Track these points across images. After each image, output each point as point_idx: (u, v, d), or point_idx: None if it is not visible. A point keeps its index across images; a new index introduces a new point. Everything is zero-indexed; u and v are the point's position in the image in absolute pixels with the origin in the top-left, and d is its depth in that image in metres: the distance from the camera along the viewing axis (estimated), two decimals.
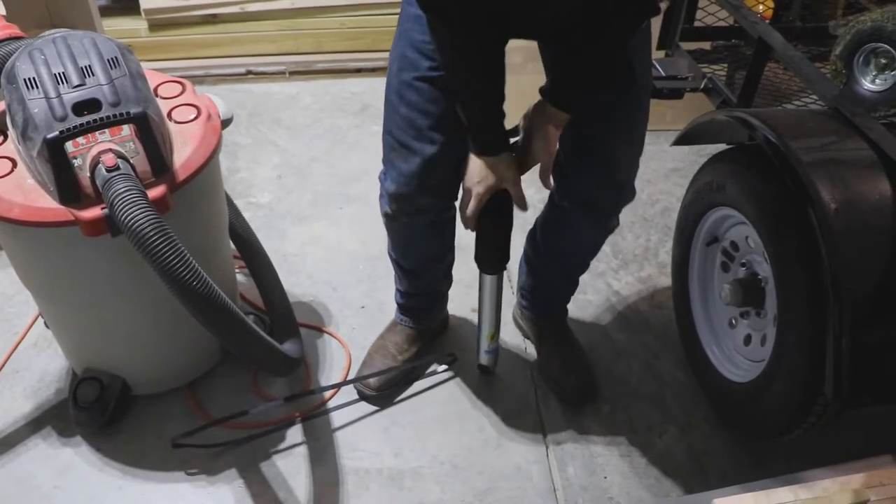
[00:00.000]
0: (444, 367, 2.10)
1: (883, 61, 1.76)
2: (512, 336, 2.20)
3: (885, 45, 1.73)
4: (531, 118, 1.58)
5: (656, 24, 1.60)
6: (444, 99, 1.56)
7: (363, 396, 2.01)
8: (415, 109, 1.58)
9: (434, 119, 1.58)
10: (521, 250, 2.04)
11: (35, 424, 1.94)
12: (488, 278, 1.79)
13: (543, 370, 2.08)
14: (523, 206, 1.62)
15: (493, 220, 1.64)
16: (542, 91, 1.56)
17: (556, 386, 2.03)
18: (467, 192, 1.60)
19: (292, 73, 3.50)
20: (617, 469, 1.87)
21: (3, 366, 2.07)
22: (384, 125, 1.69)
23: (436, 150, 1.60)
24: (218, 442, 1.87)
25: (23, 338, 2.16)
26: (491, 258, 1.74)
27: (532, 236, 1.96)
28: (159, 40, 3.46)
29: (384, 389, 2.01)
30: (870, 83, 1.78)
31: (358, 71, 3.51)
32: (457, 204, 1.69)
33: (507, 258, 1.76)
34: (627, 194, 1.75)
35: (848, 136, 1.57)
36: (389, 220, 1.79)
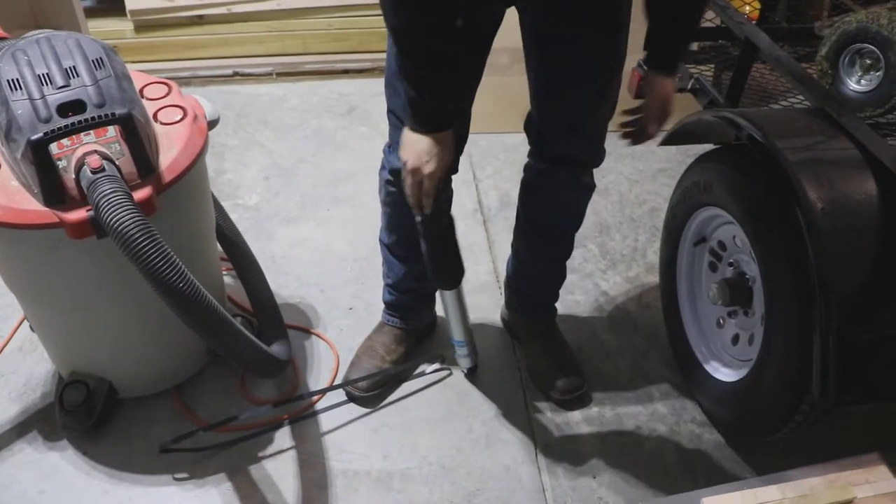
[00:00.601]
0: (433, 367, 2.09)
1: (868, 62, 1.77)
2: (500, 336, 2.20)
3: (870, 46, 1.75)
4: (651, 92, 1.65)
5: (643, 25, 1.60)
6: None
7: (352, 398, 2.01)
8: None
9: None
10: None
11: (20, 428, 1.92)
12: (447, 293, 1.82)
13: (532, 371, 2.08)
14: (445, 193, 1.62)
15: (440, 219, 1.63)
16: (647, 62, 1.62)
17: (545, 386, 2.03)
18: (416, 173, 1.51)
19: (279, 75, 3.49)
20: (606, 469, 1.87)
21: None
22: (387, 104, 1.70)
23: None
24: (205, 445, 1.86)
25: (8, 341, 2.14)
26: (446, 268, 1.75)
27: (516, 214, 1.97)
28: (145, 41, 3.44)
29: (373, 391, 2.00)
30: (855, 83, 1.80)
31: (345, 72, 3.50)
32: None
33: (461, 266, 1.77)
34: (600, 150, 1.79)
35: (834, 136, 1.58)
36: (388, 191, 1.80)
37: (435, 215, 1.59)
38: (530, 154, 1.84)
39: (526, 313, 2.12)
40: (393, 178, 1.75)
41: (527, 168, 1.88)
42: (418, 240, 1.89)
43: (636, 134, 1.73)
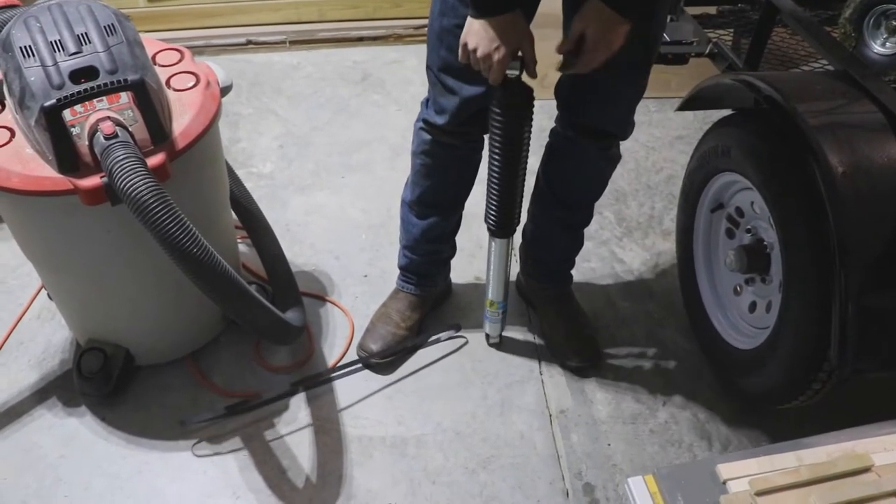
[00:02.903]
0: (449, 334, 2.09)
1: (894, 24, 1.73)
2: (515, 304, 2.19)
3: None
4: (588, 23, 1.44)
5: None
6: None
7: (366, 365, 2.01)
8: (454, 53, 1.55)
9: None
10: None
11: (40, 395, 1.94)
12: (497, 243, 1.79)
13: (546, 338, 2.08)
14: (533, 73, 1.51)
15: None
16: None
17: (559, 354, 2.03)
18: (486, 60, 1.45)
19: (293, 43, 3.47)
20: (620, 436, 1.87)
21: (8, 337, 2.08)
22: (427, 59, 1.70)
23: (474, 92, 1.62)
24: (221, 413, 1.87)
25: (27, 309, 2.16)
26: (508, 201, 1.69)
27: (536, 178, 1.95)
28: (158, 10, 3.42)
29: (388, 356, 2.01)
30: (880, 46, 1.76)
31: (360, 40, 3.47)
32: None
33: (518, 209, 1.74)
34: (629, 127, 1.76)
35: (856, 100, 1.55)
36: (421, 139, 1.80)
37: (510, 96, 1.54)
38: (558, 119, 1.81)
39: (541, 279, 2.11)
40: (427, 127, 1.76)
41: (553, 133, 1.85)
42: (444, 194, 1.88)
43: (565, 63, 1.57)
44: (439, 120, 1.72)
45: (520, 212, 1.74)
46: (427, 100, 1.77)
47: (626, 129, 1.76)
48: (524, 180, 1.68)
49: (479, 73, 1.52)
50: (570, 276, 2.13)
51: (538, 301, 2.13)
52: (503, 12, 1.41)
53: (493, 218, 1.73)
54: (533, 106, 1.56)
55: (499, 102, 1.54)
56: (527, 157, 1.64)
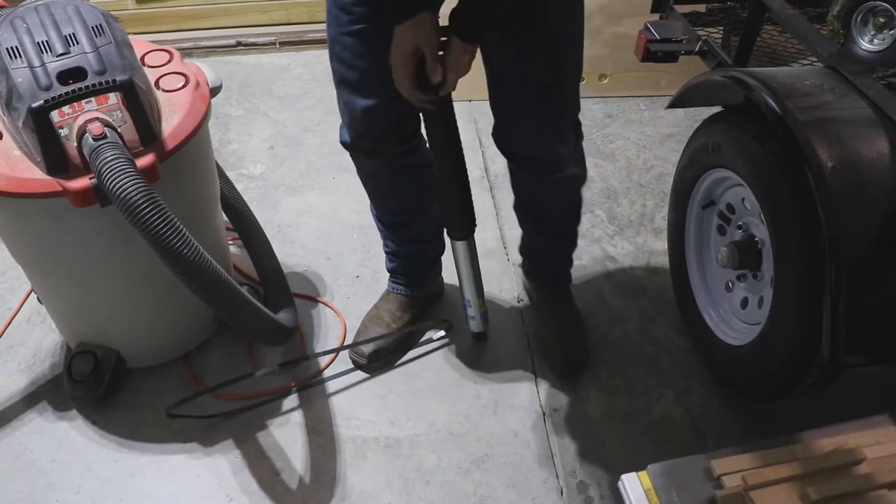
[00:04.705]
0: (440, 333, 2.09)
1: (881, 20, 1.73)
2: (508, 302, 2.20)
3: (884, 4, 1.71)
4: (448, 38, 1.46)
5: None
6: (371, 53, 1.53)
7: (358, 365, 2.00)
8: (343, 63, 1.58)
9: (362, 73, 1.57)
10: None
11: (30, 399, 1.93)
12: (459, 245, 1.80)
13: (538, 338, 2.08)
14: (434, 77, 1.47)
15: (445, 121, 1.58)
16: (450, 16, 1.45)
17: (547, 355, 2.03)
18: (394, 75, 1.47)
19: (283, 44, 3.47)
20: (614, 434, 1.87)
21: None
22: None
23: (371, 103, 1.60)
24: (213, 413, 1.87)
25: (16, 313, 2.14)
26: (456, 208, 1.71)
27: None
28: (147, 12, 3.42)
29: (379, 358, 2.00)
30: (868, 43, 1.76)
31: None
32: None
33: (472, 214, 1.75)
34: (560, 148, 1.69)
35: (845, 95, 1.55)
36: (352, 158, 1.80)
37: (430, 119, 1.57)
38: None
39: (536, 280, 2.11)
40: (346, 150, 1.76)
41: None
42: (405, 208, 1.89)
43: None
44: (347, 137, 1.71)
45: (470, 214, 1.75)
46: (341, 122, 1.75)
47: (549, 150, 1.68)
48: (464, 182, 1.68)
49: (372, 83, 1.55)
50: (567, 277, 2.12)
51: (535, 300, 2.13)
52: (406, 18, 1.39)
53: (443, 221, 1.75)
54: (450, 110, 1.57)
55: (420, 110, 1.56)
56: (458, 160, 1.64)
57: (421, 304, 2.11)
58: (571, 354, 2.01)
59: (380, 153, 1.74)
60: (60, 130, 1.46)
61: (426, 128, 1.62)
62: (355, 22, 1.52)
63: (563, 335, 2.03)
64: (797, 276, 1.54)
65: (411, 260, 2.02)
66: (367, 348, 1.99)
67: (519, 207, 1.96)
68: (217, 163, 1.94)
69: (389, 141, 1.71)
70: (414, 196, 1.89)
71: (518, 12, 1.46)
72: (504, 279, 2.26)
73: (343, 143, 1.75)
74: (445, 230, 1.80)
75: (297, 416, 1.89)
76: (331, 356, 2.04)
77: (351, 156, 1.80)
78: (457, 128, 1.61)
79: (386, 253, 2.05)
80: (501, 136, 1.71)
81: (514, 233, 2.38)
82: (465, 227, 1.77)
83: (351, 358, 2.01)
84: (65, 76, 1.45)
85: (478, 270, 1.87)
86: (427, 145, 1.71)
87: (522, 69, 1.56)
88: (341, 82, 1.63)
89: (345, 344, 2.07)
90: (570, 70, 1.61)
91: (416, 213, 1.93)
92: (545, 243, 2.02)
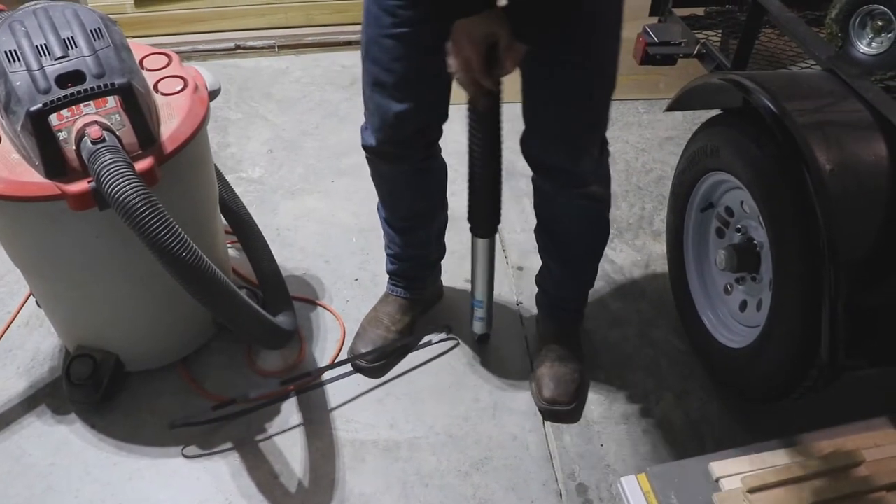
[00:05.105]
0: (440, 337, 2.09)
1: (879, 23, 1.74)
2: (506, 306, 2.20)
3: (882, 7, 1.71)
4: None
5: None
6: (410, 57, 1.52)
7: (357, 369, 2.00)
8: (379, 66, 1.56)
9: (399, 76, 1.55)
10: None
11: (29, 403, 1.93)
12: (480, 243, 1.78)
13: (533, 365, 2.00)
14: (508, 63, 1.43)
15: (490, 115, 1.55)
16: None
17: (534, 386, 1.95)
18: (461, 62, 1.41)
19: (282, 48, 3.47)
20: (613, 436, 1.87)
21: None
22: (362, 77, 1.66)
23: (403, 108, 1.59)
24: (213, 418, 1.87)
25: (15, 317, 2.14)
26: (485, 205, 1.69)
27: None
28: (145, 16, 3.42)
29: (380, 360, 2.00)
30: (866, 46, 1.77)
31: (348, 44, 3.47)
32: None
33: (498, 212, 1.72)
34: (584, 162, 1.65)
35: (844, 98, 1.56)
36: (369, 162, 1.79)
37: (479, 120, 1.54)
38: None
39: (544, 312, 2.05)
40: (366, 153, 1.75)
41: (533, 179, 1.80)
42: (414, 212, 1.88)
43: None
44: (372, 141, 1.69)
45: (497, 212, 1.73)
46: (364, 125, 1.73)
47: (573, 162, 1.64)
48: (498, 178, 1.66)
49: (408, 88, 1.53)
50: (577, 317, 2.05)
51: (540, 332, 2.06)
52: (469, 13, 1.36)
53: (469, 217, 1.74)
54: (499, 108, 1.55)
55: (469, 106, 1.54)
56: (496, 155, 1.62)
57: (420, 307, 2.11)
58: (554, 402, 1.90)
59: (402, 158, 1.73)
60: (59, 134, 1.46)
61: (473, 125, 1.56)
62: (398, 25, 1.50)
63: (554, 374, 1.92)
64: (796, 279, 1.55)
65: (413, 263, 2.02)
66: (365, 351, 1.99)
67: (539, 231, 1.90)
68: (216, 166, 1.94)
69: (414, 147, 1.70)
70: (426, 202, 1.89)
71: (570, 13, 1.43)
72: (503, 282, 2.25)
73: (366, 147, 1.73)
74: (470, 227, 1.76)
75: (296, 420, 1.89)
76: (330, 358, 2.04)
77: (369, 159, 1.78)
78: (501, 126, 1.59)
79: (388, 255, 2.04)
80: (527, 143, 1.68)
81: (513, 236, 2.40)
82: (491, 225, 1.75)
83: (350, 361, 2.01)
84: (63, 80, 1.45)
85: (493, 271, 1.86)
86: (441, 153, 1.74)
87: (554, 77, 1.53)
88: (375, 84, 1.59)
89: (343, 348, 2.06)
90: (603, 84, 1.57)
91: (425, 219, 1.93)
92: (561, 273, 1.94)
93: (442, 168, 1.86)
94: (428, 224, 1.94)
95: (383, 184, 1.87)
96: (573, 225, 1.84)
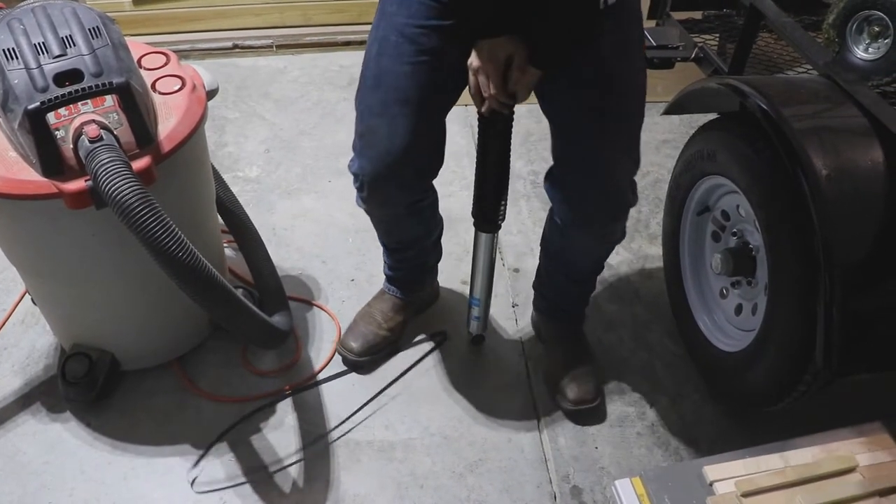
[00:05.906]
0: (431, 345, 2.09)
1: (876, 29, 1.74)
2: (502, 308, 2.20)
3: (879, 13, 1.72)
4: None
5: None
6: (426, 86, 1.52)
7: (346, 362, 2.01)
8: (396, 93, 1.53)
9: (413, 105, 1.53)
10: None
11: (24, 401, 1.92)
12: (484, 238, 1.79)
13: (546, 374, 1.99)
14: (521, 82, 1.49)
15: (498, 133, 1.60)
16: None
17: (554, 392, 1.94)
18: (481, 79, 1.48)
19: (279, 47, 3.47)
20: (608, 439, 1.87)
21: None
22: (359, 108, 1.62)
23: (410, 140, 1.56)
24: (208, 416, 1.86)
25: (10, 315, 2.14)
26: (491, 203, 1.70)
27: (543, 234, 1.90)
28: (143, 14, 3.41)
29: (367, 355, 2.00)
30: (863, 52, 1.77)
31: (346, 44, 3.47)
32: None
33: (503, 207, 1.73)
34: (617, 203, 1.67)
35: (840, 104, 1.56)
36: (365, 211, 1.79)
37: (491, 123, 1.57)
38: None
39: (548, 316, 2.04)
40: (356, 183, 1.70)
41: (549, 213, 1.81)
42: (410, 238, 1.89)
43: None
44: (368, 176, 1.63)
45: (502, 209, 1.73)
46: (353, 160, 1.67)
47: (612, 205, 1.67)
48: (505, 177, 1.68)
49: (418, 114, 1.54)
50: (581, 317, 2.05)
51: (545, 336, 2.06)
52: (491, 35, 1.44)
53: (474, 211, 1.74)
54: (510, 122, 1.58)
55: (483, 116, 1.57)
56: (505, 156, 1.63)
57: (415, 307, 2.11)
58: (578, 396, 1.90)
59: (396, 203, 1.72)
60: (56, 132, 1.45)
61: (485, 131, 1.59)
62: (421, 53, 1.49)
63: (573, 376, 1.92)
64: (791, 284, 1.55)
65: (409, 269, 2.02)
66: (355, 345, 1.99)
67: (547, 254, 1.90)
68: (213, 165, 1.94)
69: (410, 188, 1.69)
70: (421, 231, 1.90)
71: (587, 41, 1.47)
72: (498, 283, 2.25)
73: (362, 200, 1.72)
74: (474, 222, 1.76)
75: (291, 420, 1.89)
76: (325, 359, 2.04)
77: (365, 210, 1.78)
78: (511, 133, 1.62)
79: (385, 263, 2.04)
80: (558, 191, 1.67)
81: (509, 238, 2.40)
82: (496, 221, 1.75)
83: (339, 354, 2.02)
84: (61, 78, 1.45)
85: (493, 268, 1.86)
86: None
87: (573, 110, 1.55)
88: (382, 115, 1.55)
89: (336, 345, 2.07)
90: (623, 115, 1.59)
91: (421, 240, 1.93)
92: (564, 285, 1.95)
93: (434, 199, 1.85)
94: (423, 242, 1.95)
95: (374, 220, 1.87)
96: (589, 257, 1.86)
